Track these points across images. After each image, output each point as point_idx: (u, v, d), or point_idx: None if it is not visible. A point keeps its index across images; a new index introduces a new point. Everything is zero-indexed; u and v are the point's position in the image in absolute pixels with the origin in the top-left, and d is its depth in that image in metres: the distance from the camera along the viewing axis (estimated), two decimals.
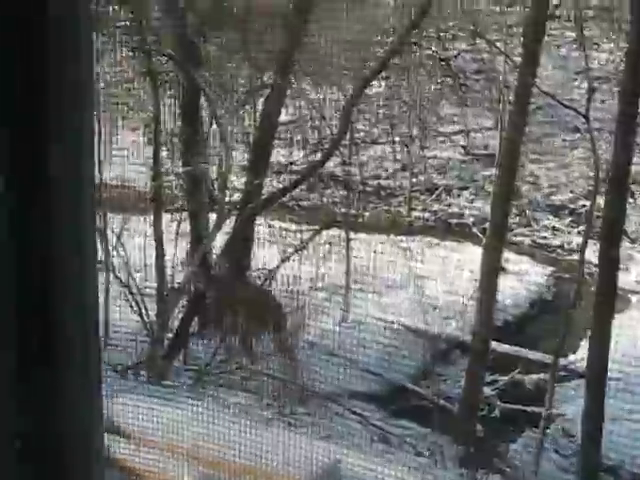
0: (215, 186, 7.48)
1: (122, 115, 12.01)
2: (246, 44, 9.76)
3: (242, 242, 7.70)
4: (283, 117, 10.21)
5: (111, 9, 9.95)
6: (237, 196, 9.06)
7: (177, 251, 8.16)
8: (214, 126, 7.40)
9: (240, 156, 9.66)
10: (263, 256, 8.37)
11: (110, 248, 7.90)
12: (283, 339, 7.32)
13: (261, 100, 9.00)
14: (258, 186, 8.07)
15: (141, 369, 6.48)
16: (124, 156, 10.45)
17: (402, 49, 8.46)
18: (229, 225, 7.97)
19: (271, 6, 9.60)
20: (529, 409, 7.89)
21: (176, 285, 7.15)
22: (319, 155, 9.72)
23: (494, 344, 8.42)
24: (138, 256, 8.01)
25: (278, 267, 7.35)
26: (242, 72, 9.86)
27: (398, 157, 12.20)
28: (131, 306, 6.84)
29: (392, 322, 8.70)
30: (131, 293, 6.98)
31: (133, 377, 6.30)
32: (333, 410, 6.81)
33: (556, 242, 11.18)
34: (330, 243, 9.58)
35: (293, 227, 9.58)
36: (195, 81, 7.38)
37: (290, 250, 8.18)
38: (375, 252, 10.52)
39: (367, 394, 7.65)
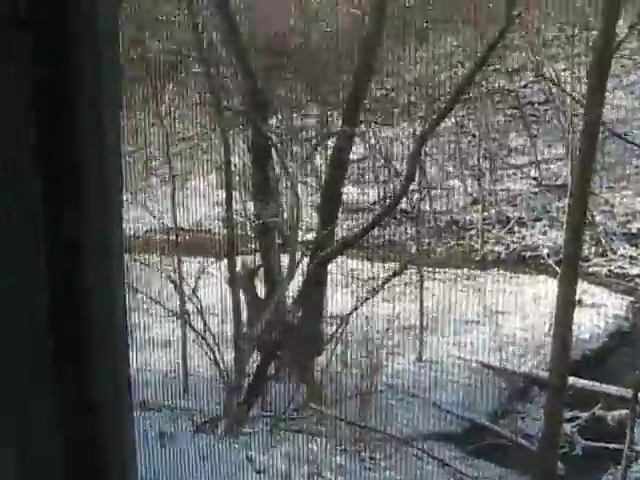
0: (286, 230, 7.57)
1: (195, 160, 12.29)
2: (316, 85, 9.92)
3: (315, 286, 7.77)
4: (353, 156, 10.30)
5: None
6: (311, 236, 9.15)
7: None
8: (283, 172, 7.50)
9: (313, 196, 9.76)
10: (336, 300, 8.41)
11: (185, 296, 8.05)
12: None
13: (330, 142, 9.09)
14: (330, 230, 8.14)
15: (217, 422, 6.57)
16: (198, 201, 10.71)
17: (470, 85, 8.45)
18: (302, 268, 8.03)
19: (337, 48, 9.74)
20: (611, 446, 7.75)
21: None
22: (390, 192, 9.76)
23: (573, 379, 8.31)
24: (214, 302, 8.16)
25: (351, 313, 7.39)
26: (310, 119, 10.04)
27: (469, 190, 12.18)
28: (206, 353, 6.95)
29: (468, 360, 8.67)
30: (205, 340, 7.09)
31: (209, 431, 6.39)
32: (409, 452, 6.81)
33: (634, 271, 11.01)
34: (405, 284, 9.59)
35: (365, 266, 9.60)
36: (263, 131, 7.52)
37: (363, 292, 8.21)
38: (449, 288, 10.51)
39: (443, 434, 7.62)
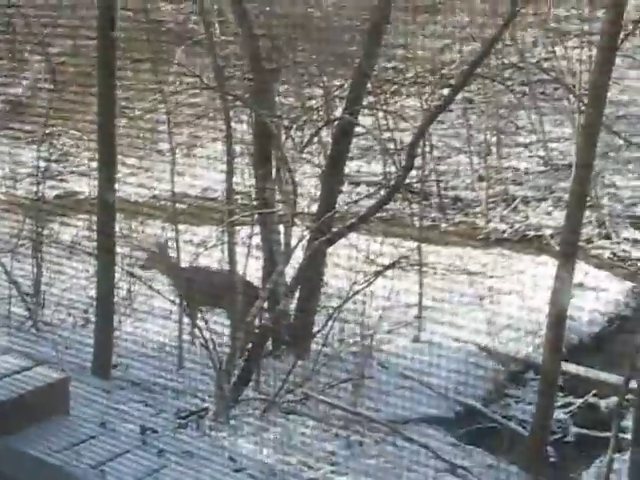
0: (285, 209, 7.53)
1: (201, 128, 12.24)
2: (322, 61, 9.84)
3: (315, 265, 7.75)
4: (359, 129, 10.23)
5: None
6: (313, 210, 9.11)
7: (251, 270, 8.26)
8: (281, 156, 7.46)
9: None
10: (334, 275, 8.40)
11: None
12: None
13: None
14: (332, 207, 8.09)
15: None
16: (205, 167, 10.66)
17: (479, 65, 8.34)
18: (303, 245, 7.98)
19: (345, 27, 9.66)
20: (604, 434, 7.76)
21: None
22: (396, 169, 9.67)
23: (568, 365, 8.32)
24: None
25: (344, 303, 7.38)
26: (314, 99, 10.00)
27: (475, 167, 12.12)
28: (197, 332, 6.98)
29: (465, 342, 8.67)
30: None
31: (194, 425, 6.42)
32: (400, 437, 6.85)
33: (637, 255, 10.97)
34: (403, 255, 9.53)
35: (366, 239, 9.50)
36: (264, 116, 7.46)
37: (364, 270, 8.17)
38: (450, 267, 10.50)
39: (436, 417, 7.65)
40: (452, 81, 10.47)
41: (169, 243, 8.33)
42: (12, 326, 8.00)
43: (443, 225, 11.72)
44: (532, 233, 11.44)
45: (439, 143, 12.19)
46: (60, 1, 9.79)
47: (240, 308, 7.28)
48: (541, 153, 12.37)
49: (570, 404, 8.30)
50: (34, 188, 9.32)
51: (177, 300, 7.84)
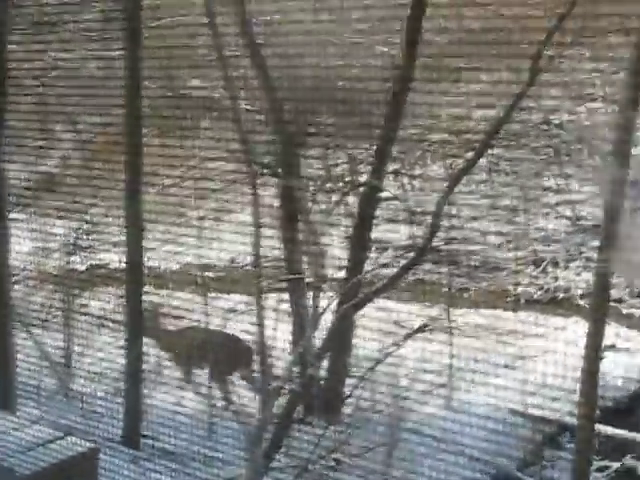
0: (311, 277, 7.57)
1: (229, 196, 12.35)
2: (345, 128, 9.93)
3: (343, 330, 7.74)
4: (385, 193, 10.28)
5: None
6: (340, 275, 9.12)
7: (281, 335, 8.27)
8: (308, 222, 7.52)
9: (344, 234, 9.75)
10: (364, 339, 8.37)
11: None
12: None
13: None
14: (359, 272, 8.11)
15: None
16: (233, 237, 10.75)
17: (501, 127, 8.40)
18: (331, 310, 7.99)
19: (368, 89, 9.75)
20: None
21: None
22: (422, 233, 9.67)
23: (603, 427, 8.20)
24: None
25: (379, 362, 7.36)
26: (339, 166, 10.08)
27: (502, 230, 12.10)
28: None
29: (497, 405, 8.56)
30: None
31: None
32: None
33: None
34: (433, 318, 9.51)
35: (393, 305, 9.51)
36: (291, 185, 7.55)
37: (393, 334, 8.15)
38: (480, 331, 10.43)
39: None
40: (476, 145, 10.52)
41: (158, 308, 8.41)
42: (43, 396, 8.03)
43: (472, 288, 11.67)
44: (562, 294, 11.36)
45: (465, 206, 12.20)
46: (88, 77, 10.00)
47: (226, 366, 7.35)
48: (568, 213, 12.34)
49: (607, 467, 8.16)
50: (64, 261, 9.44)
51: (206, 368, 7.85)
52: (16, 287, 9.48)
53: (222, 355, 7.63)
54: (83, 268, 11.62)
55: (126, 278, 7.71)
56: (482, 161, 11.71)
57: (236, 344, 7.88)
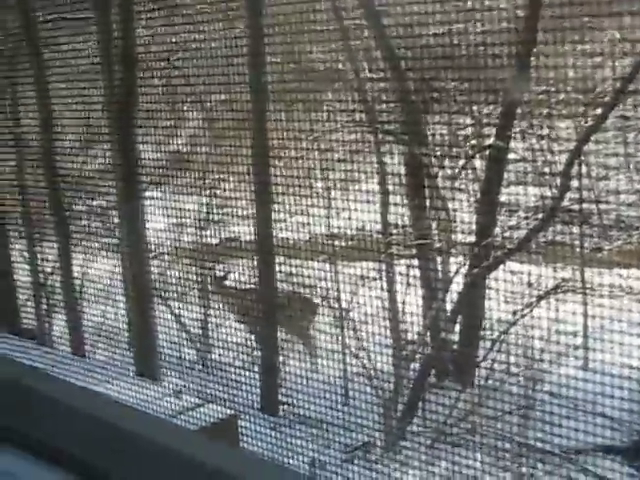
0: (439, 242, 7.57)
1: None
2: (471, 91, 9.83)
3: (474, 294, 7.73)
4: (513, 155, 10.15)
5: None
6: (470, 239, 9.07)
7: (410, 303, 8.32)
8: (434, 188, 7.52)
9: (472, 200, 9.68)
10: (496, 302, 8.32)
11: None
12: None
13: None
14: (489, 235, 8.07)
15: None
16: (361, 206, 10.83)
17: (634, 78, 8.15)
18: (461, 274, 7.99)
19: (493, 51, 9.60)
20: None
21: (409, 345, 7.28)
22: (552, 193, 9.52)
23: None
24: (371, 310, 8.24)
25: (512, 324, 7.31)
26: (463, 129, 9.98)
27: (636, 186, 11.75)
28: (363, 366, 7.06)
29: (636, 367, 8.37)
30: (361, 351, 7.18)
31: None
32: (572, 469, 6.68)
33: None
34: (566, 279, 9.34)
35: (524, 268, 9.40)
36: (416, 152, 7.55)
37: (525, 298, 8.08)
38: (616, 289, 10.19)
39: (611, 447, 7.41)
40: (606, 99, 10.23)
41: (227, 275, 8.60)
42: (184, 367, 8.32)
43: (605, 247, 11.40)
44: None
45: (596, 163, 11.89)
46: (214, 59, 10.21)
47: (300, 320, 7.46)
48: None
49: None
50: (197, 235, 9.72)
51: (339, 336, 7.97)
52: (154, 263, 9.82)
53: (294, 311, 7.75)
54: (216, 242, 11.92)
55: (257, 249, 7.88)
56: (611, 116, 11.40)
57: (300, 297, 8.01)
